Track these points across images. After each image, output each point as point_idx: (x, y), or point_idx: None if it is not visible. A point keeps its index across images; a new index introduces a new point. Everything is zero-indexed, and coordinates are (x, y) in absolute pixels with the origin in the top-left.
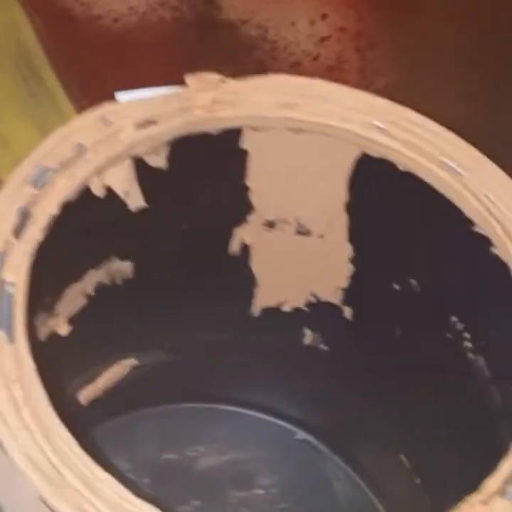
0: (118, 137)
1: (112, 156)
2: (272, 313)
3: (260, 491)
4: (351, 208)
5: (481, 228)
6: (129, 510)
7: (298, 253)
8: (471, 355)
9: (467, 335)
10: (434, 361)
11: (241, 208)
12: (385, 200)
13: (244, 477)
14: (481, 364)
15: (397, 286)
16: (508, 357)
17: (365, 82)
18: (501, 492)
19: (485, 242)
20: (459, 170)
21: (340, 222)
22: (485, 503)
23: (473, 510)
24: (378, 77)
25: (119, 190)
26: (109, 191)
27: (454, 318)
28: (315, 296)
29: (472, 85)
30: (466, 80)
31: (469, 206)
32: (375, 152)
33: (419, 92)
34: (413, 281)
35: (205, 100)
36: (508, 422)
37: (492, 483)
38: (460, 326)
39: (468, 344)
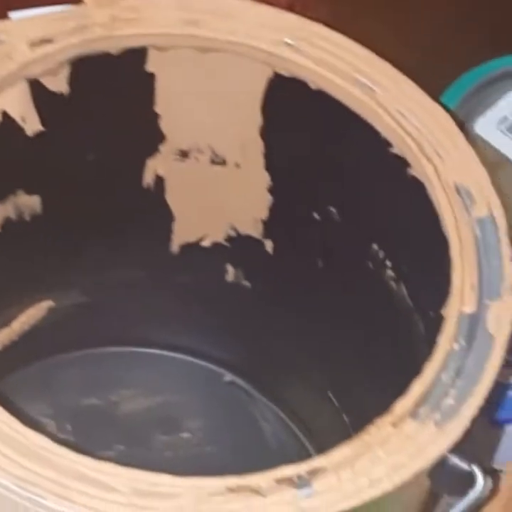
0: (11, 57)
1: (4, 77)
2: (192, 249)
3: (186, 435)
4: (266, 132)
5: (396, 148)
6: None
7: (214, 184)
8: (393, 284)
9: (388, 263)
10: (357, 292)
11: (151, 136)
12: (299, 123)
13: (170, 421)
14: (403, 292)
15: (317, 216)
16: (428, 283)
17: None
18: (412, 414)
19: (401, 163)
20: (373, 86)
21: (256, 149)
22: (395, 424)
23: (383, 432)
24: (308, 12)
25: (15, 114)
26: (5, 116)
27: (375, 246)
28: (235, 229)
29: (405, 27)
30: (401, 23)
31: (383, 123)
32: (285, 71)
33: (350, 30)
34: (333, 210)
35: (104, 17)
36: (429, 348)
37: (403, 405)
38: (381, 254)
39: (390, 272)
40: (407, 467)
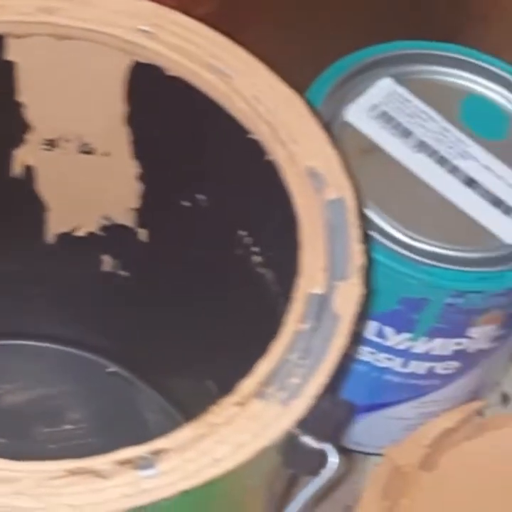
0: None
1: None
2: (67, 239)
3: (69, 427)
4: (131, 120)
5: (252, 134)
6: None
7: (85, 173)
8: (260, 270)
9: (255, 249)
10: (228, 279)
11: (17, 127)
12: (161, 109)
13: (52, 413)
14: (270, 277)
15: (186, 203)
16: (290, 267)
17: (183, 9)
18: (259, 394)
19: (257, 148)
20: (228, 72)
21: (122, 137)
22: (240, 404)
23: (227, 412)
24: (198, 6)
25: None
26: None
27: (241, 232)
28: (108, 218)
29: (289, 15)
30: (283, 10)
31: (238, 109)
32: (142, 58)
33: (238, 22)
34: (201, 197)
35: None
36: None
37: (248, 384)
38: (248, 240)
39: (257, 258)
40: (249, 446)
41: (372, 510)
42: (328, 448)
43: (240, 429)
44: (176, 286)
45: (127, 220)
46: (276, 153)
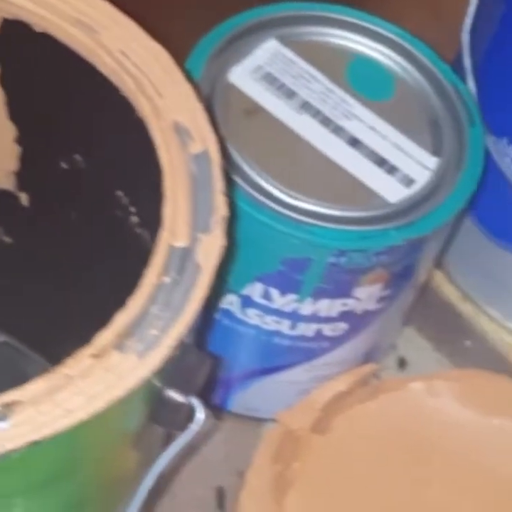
0: None
1: None
2: None
3: None
4: (4, 80)
5: (119, 89)
6: None
7: None
8: (138, 230)
9: (133, 209)
10: (109, 242)
11: None
12: (32, 68)
13: None
14: (147, 237)
15: (64, 165)
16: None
17: None
18: (117, 346)
19: (125, 103)
20: (95, 27)
21: None
22: (97, 356)
23: (83, 364)
24: None
25: None
26: None
27: (119, 193)
28: None
29: None
30: None
31: (104, 65)
32: (9, 14)
33: None
34: (78, 157)
35: None
36: None
37: (104, 337)
38: (126, 200)
39: (134, 219)
40: (103, 396)
41: (264, 474)
42: (195, 402)
43: (95, 380)
44: (56, 252)
45: (8, 184)
46: (143, 108)
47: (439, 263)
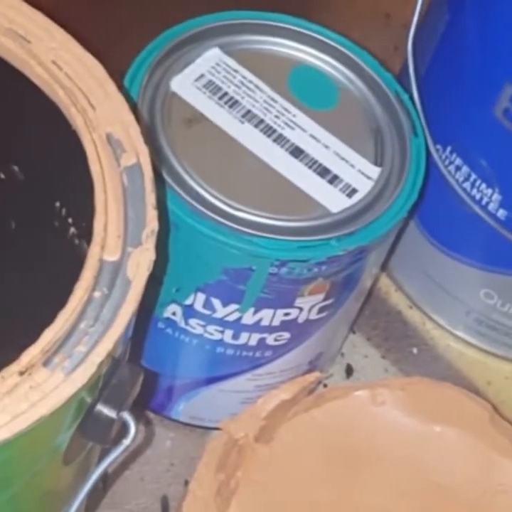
0: None
1: None
2: None
3: None
4: None
5: (52, 101)
6: None
7: None
8: (77, 241)
9: (70, 220)
10: (48, 253)
11: None
12: None
13: None
14: (85, 248)
15: (2, 175)
16: None
17: None
18: (45, 362)
19: (58, 115)
20: (26, 37)
21: None
22: (23, 373)
23: (10, 381)
24: None
25: None
26: None
27: (57, 204)
28: None
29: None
30: None
31: (36, 75)
32: None
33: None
34: (15, 168)
35: None
36: None
37: (29, 353)
38: (64, 211)
39: (73, 230)
40: (27, 415)
41: (207, 484)
42: (127, 417)
43: (20, 398)
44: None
45: None
46: (75, 120)
47: (387, 271)
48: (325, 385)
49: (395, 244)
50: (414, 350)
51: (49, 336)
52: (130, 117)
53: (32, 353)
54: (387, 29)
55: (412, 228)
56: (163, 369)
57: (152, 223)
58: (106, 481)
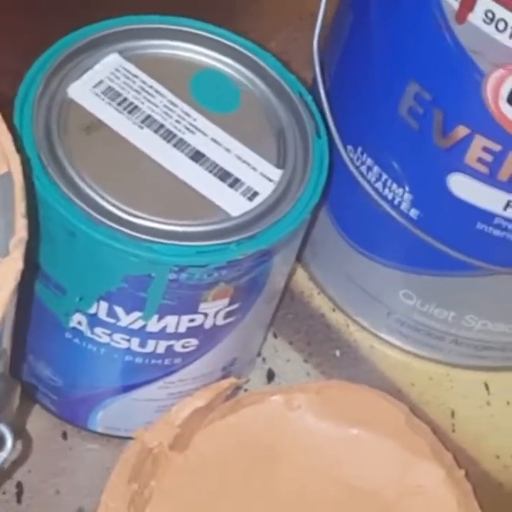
0: None
1: None
2: None
3: None
4: None
5: None
6: None
7: None
8: None
9: None
10: None
11: None
12: None
13: None
14: None
15: None
16: None
17: None
18: None
19: None
20: None
21: None
22: None
23: None
24: None
25: None
26: None
27: None
28: None
29: None
30: None
31: None
32: None
33: None
34: None
35: None
36: None
37: None
38: None
39: None
40: None
41: (119, 494)
42: (4, 429)
43: None
44: None
45: None
46: None
47: (309, 275)
48: (246, 390)
49: (316, 247)
50: (337, 353)
51: None
52: (1, 126)
53: None
54: (305, 32)
55: (331, 231)
56: (75, 380)
57: (21, 232)
58: (21, 495)
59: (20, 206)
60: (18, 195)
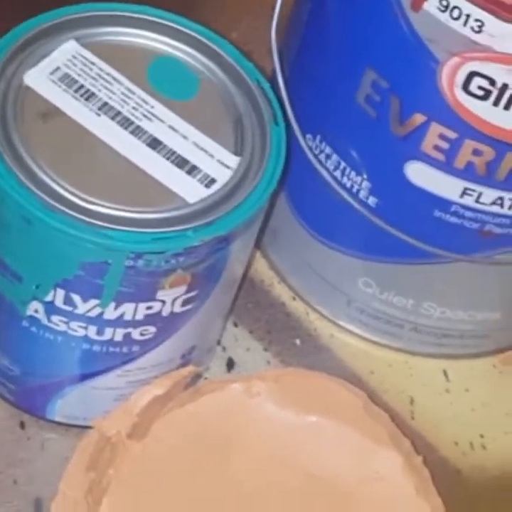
0: None
1: None
2: None
3: None
4: None
5: None
6: None
7: None
8: None
9: None
10: None
11: None
12: None
13: None
14: None
15: None
16: None
17: None
18: None
19: None
20: None
21: None
22: None
23: None
24: None
25: None
26: None
27: None
28: None
29: None
30: None
31: None
32: None
33: None
34: None
35: None
36: None
37: None
38: None
39: None
40: None
41: (77, 483)
42: None
43: None
44: None
45: None
46: None
47: (269, 263)
48: (206, 379)
49: (276, 235)
50: (297, 342)
51: None
52: None
53: None
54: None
55: (291, 220)
56: (33, 368)
57: None
58: None
59: None
60: None
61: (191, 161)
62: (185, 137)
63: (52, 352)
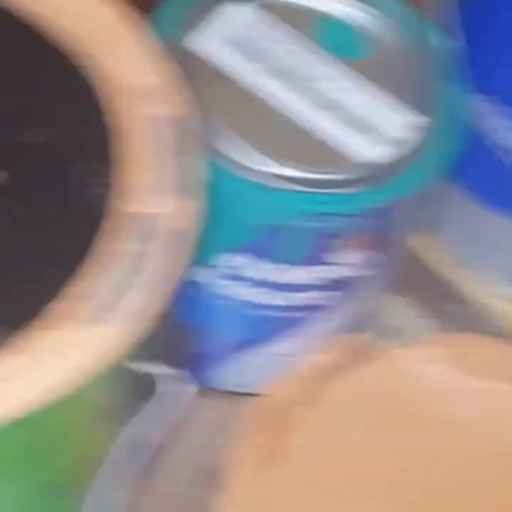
0: None
1: None
2: None
3: None
4: None
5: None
6: None
7: None
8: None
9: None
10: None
11: None
12: None
13: None
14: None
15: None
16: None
17: None
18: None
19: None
20: None
21: None
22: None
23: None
24: None
25: None
26: None
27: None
28: None
29: None
30: None
31: (54, 29)
32: None
33: None
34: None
35: None
36: None
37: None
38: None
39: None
40: (81, 370)
41: (251, 451)
42: (160, 371)
43: (73, 355)
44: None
45: None
46: (100, 73)
47: (435, 234)
48: (371, 346)
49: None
50: (460, 310)
51: (97, 290)
52: (165, 66)
53: (84, 309)
54: None
55: (458, 189)
56: (205, 333)
57: (195, 174)
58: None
59: (189, 148)
60: (186, 136)
61: (363, 120)
62: (360, 97)
63: (225, 318)
